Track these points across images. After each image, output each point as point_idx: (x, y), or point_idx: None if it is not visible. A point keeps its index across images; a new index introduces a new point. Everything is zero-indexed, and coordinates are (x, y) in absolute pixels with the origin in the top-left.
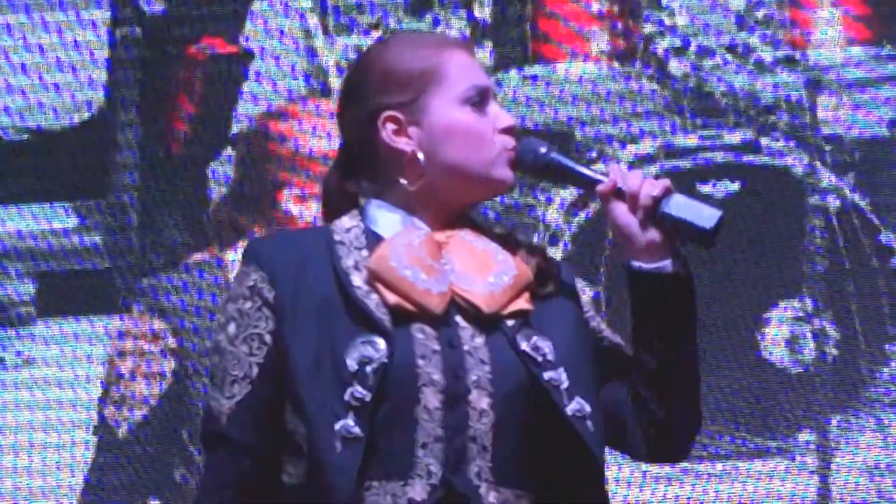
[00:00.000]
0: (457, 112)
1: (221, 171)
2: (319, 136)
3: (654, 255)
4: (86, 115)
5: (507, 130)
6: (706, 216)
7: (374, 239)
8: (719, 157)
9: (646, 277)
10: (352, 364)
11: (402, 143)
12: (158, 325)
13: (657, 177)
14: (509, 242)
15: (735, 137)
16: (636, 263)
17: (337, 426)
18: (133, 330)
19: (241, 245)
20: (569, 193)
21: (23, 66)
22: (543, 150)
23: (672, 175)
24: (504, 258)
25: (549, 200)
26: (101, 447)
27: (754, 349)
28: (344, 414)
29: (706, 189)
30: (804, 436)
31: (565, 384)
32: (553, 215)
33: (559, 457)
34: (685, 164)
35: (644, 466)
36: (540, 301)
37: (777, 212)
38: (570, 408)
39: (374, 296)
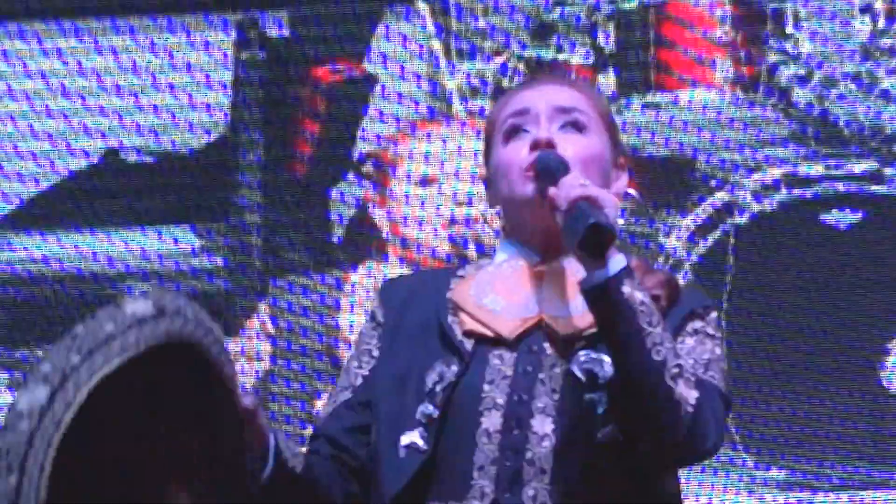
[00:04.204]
0: (497, 152)
1: (347, 193)
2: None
3: (582, 264)
4: (210, 136)
5: (533, 146)
6: (580, 228)
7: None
8: (842, 186)
9: (581, 289)
10: (429, 383)
11: (489, 196)
12: (262, 346)
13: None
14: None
15: (859, 167)
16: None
17: (404, 437)
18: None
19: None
20: (691, 220)
21: (150, 88)
22: (544, 160)
23: (795, 204)
24: None
25: (667, 229)
26: None
27: (875, 378)
28: (413, 427)
29: (828, 219)
30: None
31: (602, 407)
32: (673, 243)
33: (619, 481)
34: (808, 192)
35: (763, 494)
36: None
37: None
38: (603, 432)
39: (458, 324)
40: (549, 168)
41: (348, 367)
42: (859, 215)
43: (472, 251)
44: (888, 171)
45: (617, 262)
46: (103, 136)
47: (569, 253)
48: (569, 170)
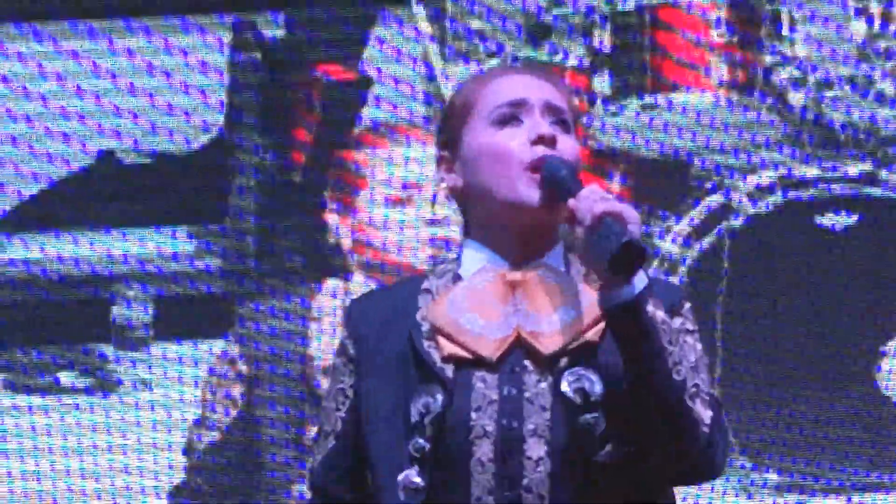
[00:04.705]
0: (482, 135)
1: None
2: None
3: (603, 282)
4: (205, 139)
5: (538, 140)
6: (613, 245)
7: (457, 282)
8: (838, 188)
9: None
10: (414, 415)
11: (450, 180)
12: (235, 349)
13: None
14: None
15: (854, 169)
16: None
17: (400, 477)
18: (217, 354)
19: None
20: (686, 223)
21: (143, 90)
22: (555, 168)
23: (791, 206)
24: (576, 293)
25: (663, 232)
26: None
27: (870, 381)
28: (408, 464)
29: (824, 221)
30: None
31: (601, 427)
32: (668, 247)
33: (616, 500)
34: (803, 195)
35: (759, 497)
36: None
37: (894, 244)
38: (601, 454)
39: (435, 348)
40: (560, 177)
41: (328, 409)
42: (854, 218)
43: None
44: (883, 173)
45: (640, 279)
46: (99, 137)
47: (539, 260)
48: (579, 180)
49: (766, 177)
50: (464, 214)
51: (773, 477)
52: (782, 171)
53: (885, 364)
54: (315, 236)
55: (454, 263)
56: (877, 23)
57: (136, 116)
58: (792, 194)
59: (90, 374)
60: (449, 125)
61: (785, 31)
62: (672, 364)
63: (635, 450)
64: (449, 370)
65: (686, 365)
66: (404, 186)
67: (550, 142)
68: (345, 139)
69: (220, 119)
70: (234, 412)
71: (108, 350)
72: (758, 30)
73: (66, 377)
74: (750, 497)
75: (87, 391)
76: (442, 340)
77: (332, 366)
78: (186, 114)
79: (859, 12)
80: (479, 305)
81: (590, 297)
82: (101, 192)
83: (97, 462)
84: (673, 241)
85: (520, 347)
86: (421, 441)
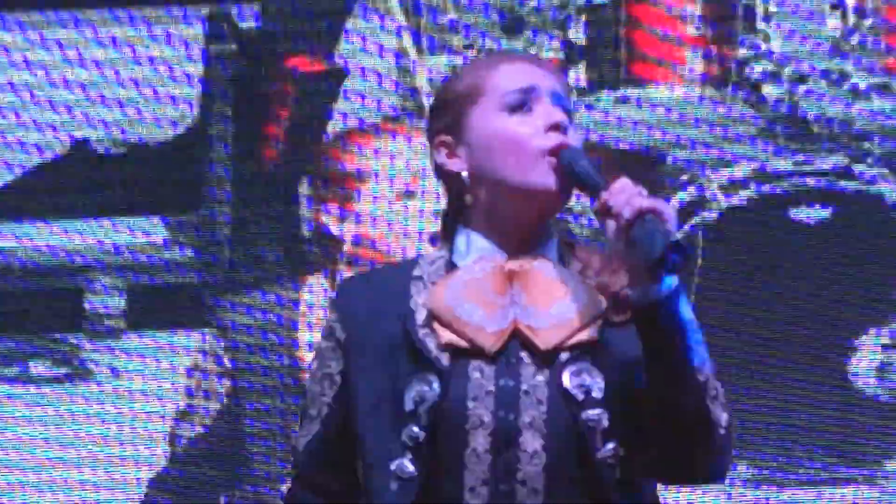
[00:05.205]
0: (495, 121)
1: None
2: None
3: (635, 279)
4: (179, 129)
5: (553, 127)
6: (659, 243)
7: (452, 270)
8: (812, 182)
9: (630, 302)
10: (409, 403)
11: (453, 165)
12: (217, 342)
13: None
14: (605, 266)
15: (828, 163)
16: (627, 286)
17: (393, 465)
18: (199, 345)
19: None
20: None
21: (118, 80)
22: (576, 157)
23: (764, 200)
24: (575, 288)
25: None
26: (169, 460)
27: (843, 375)
28: (400, 453)
29: (798, 214)
30: (891, 464)
31: (604, 425)
32: None
33: (610, 495)
34: (778, 188)
35: (730, 490)
36: (615, 329)
37: (869, 238)
38: (603, 452)
39: (431, 336)
40: (583, 168)
41: (313, 392)
42: (829, 211)
43: None
44: (858, 167)
45: (672, 278)
46: (73, 126)
47: (535, 251)
48: (601, 171)
49: (740, 170)
50: (458, 200)
51: (744, 470)
52: (756, 164)
53: (858, 357)
54: (289, 227)
55: (445, 250)
56: (851, 15)
57: (109, 107)
58: (766, 188)
59: (63, 363)
60: (451, 109)
61: (759, 25)
62: (698, 363)
63: (647, 450)
64: (445, 359)
65: (709, 366)
66: (403, 183)
67: (563, 130)
68: (318, 131)
69: (195, 110)
70: (216, 404)
71: (82, 339)
72: (733, 22)
73: (37, 366)
74: (722, 490)
75: (59, 380)
76: (440, 328)
77: (318, 348)
78: (160, 103)
79: (835, 5)
80: (477, 295)
81: (588, 293)
82: (75, 181)
83: (66, 452)
84: None
85: (516, 339)
86: (416, 429)
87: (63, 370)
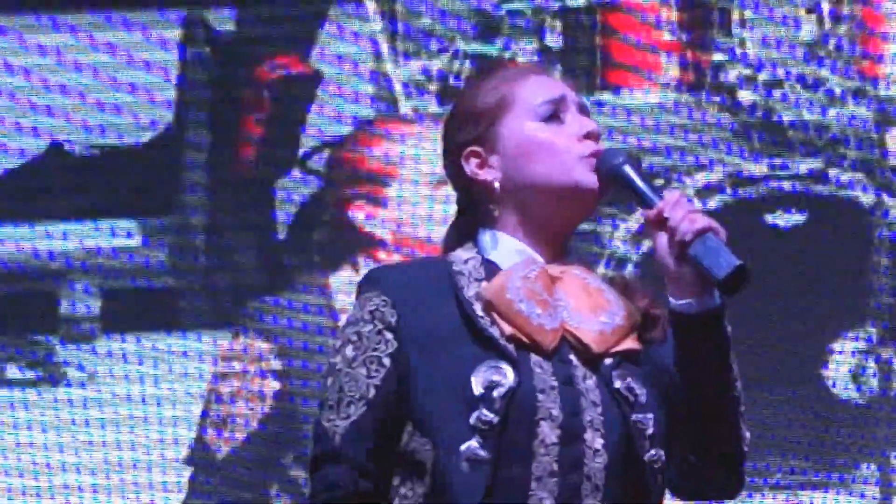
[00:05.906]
0: (529, 128)
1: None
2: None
3: (684, 292)
4: (155, 133)
5: (588, 136)
6: (724, 265)
7: (490, 269)
8: (787, 186)
9: (675, 313)
10: (478, 388)
11: (485, 174)
12: (263, 346)
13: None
14: (618, 284)
15: (803, 168)
16: (670, 297)
17: (463, 447)
18: (236, 352)
19: (346, 269)
20: (634, 220)
21: (93, 84)
22: (619, 160)
23: (739, 204)
24: (614, 298)
25: (615, 227)
26: (199, 469)
27: (817, 381)
28: (470, 436)
29: (772, 219)
30: (865, 469)
31: (651, 430)
32: (617, 243)
33: (653, 501)
34: (752, 193)
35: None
36: (644, 345)
37: (843, 243)
38: (650, 455)
39: (495, 326)
40: (629, 176)
41: (355, 374)
42: (803, 216)
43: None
44: (832, 171)
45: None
46: (49, 129)
47: (570, 257)
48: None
49: (715, 174)
50: (482, 208)
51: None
52: (731, 169)
53: (833, 363)
54: (265, 232)
55: (473, 251)
56: (827, 20)
57: (85, 110)
58: (741, 192)
59: (36, 366)
60: (479, 121)
61: (735, 30)
62: (733, 379)
63: (673, 464)
64: (512, 349)
65: (740, 383)
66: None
67: (596, 138)
68: (294, 135)
69: (170, 114)
70: (257, 406)
71: (55, 343)
72: (708, 27)
73: (11, 370)
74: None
75: (33, 384)
76: (500, 321)
77: (356, 333)
78: (137, 108)
79: (810, 10)
80: (532, 293)
81: (626, 304)
82: (50, 184)
83: (35, 459)
84: (621, 238)
85: (565, 341)
86: (488, 413)
87: (36, 373)
